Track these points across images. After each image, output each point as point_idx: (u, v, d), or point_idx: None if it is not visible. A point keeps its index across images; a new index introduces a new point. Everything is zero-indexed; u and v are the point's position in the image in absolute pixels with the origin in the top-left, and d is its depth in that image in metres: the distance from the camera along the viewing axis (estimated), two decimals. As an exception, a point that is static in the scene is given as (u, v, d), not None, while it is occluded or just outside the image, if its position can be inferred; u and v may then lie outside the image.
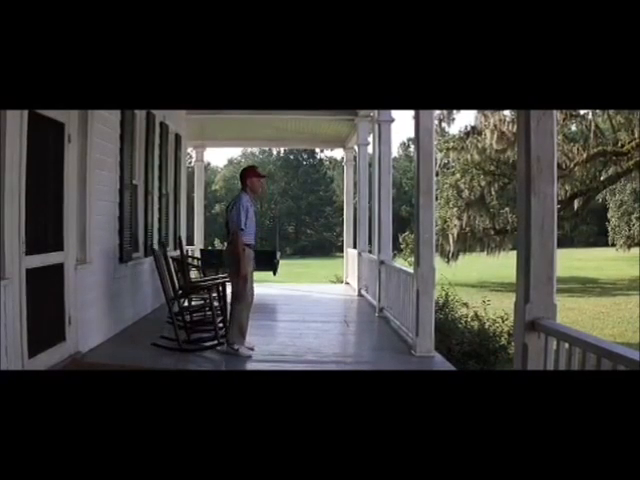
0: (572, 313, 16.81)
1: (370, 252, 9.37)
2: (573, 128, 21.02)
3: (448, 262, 20.26)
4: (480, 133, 19.56)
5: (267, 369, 5.00)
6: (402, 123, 49.28)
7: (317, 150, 53.90)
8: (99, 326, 5.73)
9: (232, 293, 5.54)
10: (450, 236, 20.30)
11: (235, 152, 62.66)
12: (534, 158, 2.83)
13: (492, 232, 20.73)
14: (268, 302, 8.97)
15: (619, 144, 18.40)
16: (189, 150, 12.06)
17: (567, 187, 18.54)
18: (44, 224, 4.58)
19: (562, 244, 15.36)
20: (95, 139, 5.51)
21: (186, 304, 6.49)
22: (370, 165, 9.38)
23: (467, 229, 20.58)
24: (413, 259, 6.22)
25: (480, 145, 19.51)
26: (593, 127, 18.34)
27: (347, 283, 11.70)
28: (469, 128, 20.84)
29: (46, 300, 4.55)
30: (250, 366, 5.22)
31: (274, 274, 10.50)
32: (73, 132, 5.00)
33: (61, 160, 4.80)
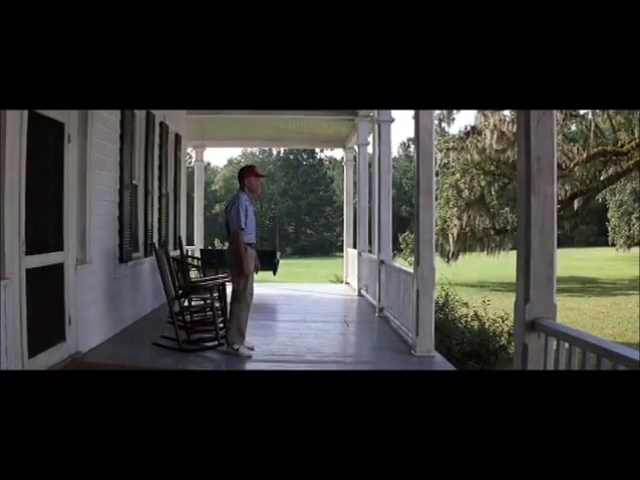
0: (572, 313, 16.80)
1: (370, 252, 9.37)
2: (573, 128, 21.01)
3: (448, 262, 20.26)
4: (480, 133, 19.57)
5: (267, 369, 5.00)
6: (402, 123, 49.37)
7: (317, 150, 53.98)
8: (99, 326, 5.73)
9: (232, 292, 5.55)
10: (450, 236, 20.30)
11: (235, 152, 62.75)
12: (534, 158, 2.83)
13: (492, 232, 20.73)
14: (268, 302, 8.97)
15: (619, 144, 18.41)
16: (189, 150, 12.06)
17: (567, 187, 18.55)
18: (44, 224, 4.58)
19: (562, 244, 15.36)
20: (95, 139, 5.51)
21: (186, 304, 6.48)
22: (370, 165, 9.38)
23: (467, 229, 20.58)
24: (413, 259, 6.22)
25: (480, 145, 19.51)
26: (593, 127, 18.34)
27: (347, 283, 11.70)
28: (469, 128, 20.86)
29: (46, 300, 4.55)
30: (250, 366, 5.22)
31: (274, 274, 10.50)
32: (73, 132, 5.00)
33: (61, 160, 4.80)
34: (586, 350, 2.48)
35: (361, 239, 10.02)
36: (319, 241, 53.43)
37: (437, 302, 11.01)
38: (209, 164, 53.75)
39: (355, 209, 11.10)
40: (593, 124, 18.34)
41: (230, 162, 59.26)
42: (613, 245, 31.20)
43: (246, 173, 5.68)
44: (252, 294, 5.64)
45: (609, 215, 31.31)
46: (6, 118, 3.75)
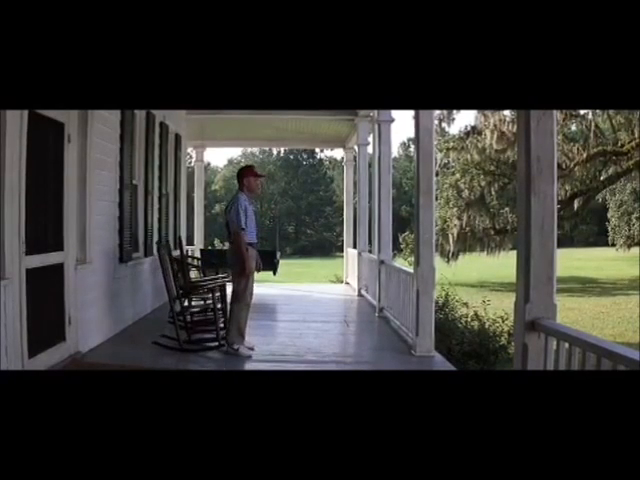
0: (572, 313, 16.80)
1: (370, 252, 9.37)
2: (573, 128, 21.02)
3: (448, 262, 20.26)
4: (480, 133, 19.57)
5: (267, 369, 4.99)
6: (402, 123, 49.30)
7: (317, 150, 53.96)
8: (99, 326, 5.73)
9: (232, 292, 5.55)
10: (450, 236, 20.30)
11: (235, 152, 62.73)
12: (534, 158, 2.83)
13: (492, 232, 20.74)
14: (268, 302, 8.97)
15: (619, 144, 18.41)
16: (189, 150, 12.06)
17: (567, 187, 18.55)
18: (44, 224, 4.58)
19: (562, 244, 15.36)
20: (95, 139, 5.51)
21: (186, 304, 6.48)
22: (370, 165, 9.38)
23: (467, 229, 20.59)
24: (413, 259, 6.22)
25: (480, 145, 19.51)
26: (593, 127, 18.34)
27: (347, 283, 11.70)
28: (469, 128, 20.86)
29: (46, 300, 4.55)
30: (250, 366, 5.22)
31: (274, 274, 10.50)
32: (73, 132, 5.00)
33: (61, 160, 4.80)
34: (586, 350, 2.48)
35: (361, 239, 10.02)
36: (319, 241, 53.42)
37: (437, 302, 11.01)
38: (209, 164, 53.78)
39: (355, 209, 11.10)
40: (593, 124, 18.35)
41: (230, 162, 59.26)
42: (613, 245, 31.19)
43: (245, 173, 5.68)
44: (252, 294, 5.64)
45: (609, 215, 31.30)
46: (6, 118, 3.75)
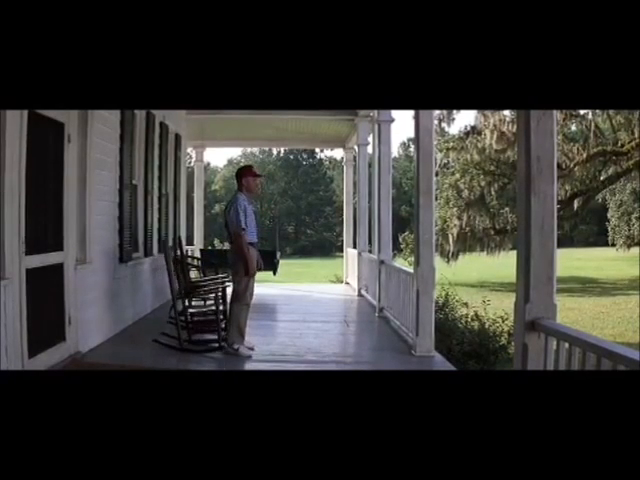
0: (572, 313, 16.80)
1: (370, 252, 9.37)
2: (573, 128, 21.03)
3: (448, 262, 20.27)
4: (480, 133, 19.57)
5: (267, 369, 4.99)
6: (402, 123, 49.37)
7: (317, 150, 53.94)
8: (99, 326, 5.73)
9: (233, 292, 5.55)
10: (450, 236, 20.31)
11: (235, 152, 62.69)
12: (534, 158, 2.83)
13: (492, 232, 20.75)
14: (268, 302, 8.97)
15: (619, 144, 18.41)
16: (189, 150, 12.06)
17: (567, 187, 18.56)
18: (44, 224, 4.58)
19: (562, 244, 15.37)
20: (95, 139, 5.51)
21: (187, 304, 6.48)
22: (370, 165, 9.38)
23: (467, 229, 20.59)
24: (413, 259, 6.22)
25: (480, 145, 19.52)
26: (593, 127, 18.35)
27: (347, 283, 11.70)
28: (469, 128, 20.86)
29: (46, 300, 4.55)
30: (250, 366, 5.22)
31: (274, 274, 10.50)
32: (73, 132, 5.00)
33: (61, 160, 4.80)
34: (586, 350, 2.48)
35: (361, 239, 10.02)
36: (319, 241, 53.41)
37: (437, 302, 11.01)
38: (209, 164, 53.79)
39: (355, 209, 11.10)
40: (593, 124, 18.35)
41: (230, 162, 59.23)
42: (613, 245, 31.20)
43: (244, 173, 5.67)
44: (252, 294, 5.64)
45: (609, 215, 31.31)
46: (6, 118, 3.75)
